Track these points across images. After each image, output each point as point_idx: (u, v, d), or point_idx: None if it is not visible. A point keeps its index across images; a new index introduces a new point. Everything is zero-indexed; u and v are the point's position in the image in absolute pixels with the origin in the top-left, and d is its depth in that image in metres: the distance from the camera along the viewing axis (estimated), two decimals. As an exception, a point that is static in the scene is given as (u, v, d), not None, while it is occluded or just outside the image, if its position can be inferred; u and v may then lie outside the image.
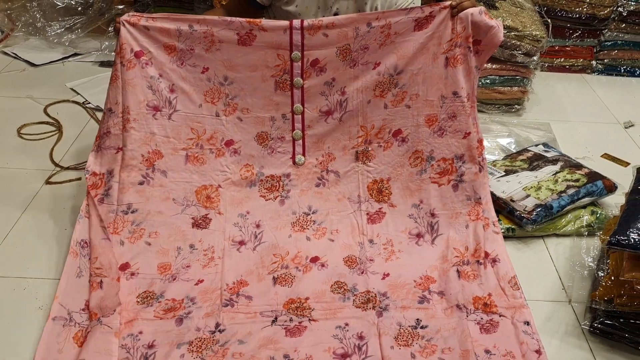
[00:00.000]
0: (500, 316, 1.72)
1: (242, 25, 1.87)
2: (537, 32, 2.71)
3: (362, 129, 1.99)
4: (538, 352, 1.62)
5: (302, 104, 1.97)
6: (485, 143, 2.50)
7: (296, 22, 1.86)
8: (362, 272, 1.83)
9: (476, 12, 1.86)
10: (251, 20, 1.87)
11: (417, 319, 1.70)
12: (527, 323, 1.69)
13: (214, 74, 1.94)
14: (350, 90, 1.96)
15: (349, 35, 1.89)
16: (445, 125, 1.95)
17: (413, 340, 1.64)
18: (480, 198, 1.96)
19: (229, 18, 1.88)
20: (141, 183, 1.91)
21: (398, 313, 1.71)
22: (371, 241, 1.93)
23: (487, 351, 1.62)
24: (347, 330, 1.66)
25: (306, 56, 1.91)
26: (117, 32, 1.88)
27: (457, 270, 1.84)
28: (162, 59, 1.90)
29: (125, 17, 1.87)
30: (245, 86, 1.95)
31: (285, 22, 1.87)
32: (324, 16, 1.97)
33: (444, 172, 1.96)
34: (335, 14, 1.98)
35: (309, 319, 1.68)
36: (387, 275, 1.83)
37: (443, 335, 1.66)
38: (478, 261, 1.86)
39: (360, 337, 1.64)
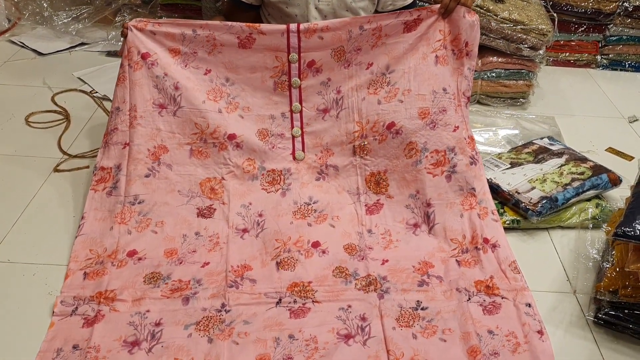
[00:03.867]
0: (502, 298, 1.76)
1: (242, 29, 1.97)
2: (543, 26, 2.71)
3: (358, 125, 2.04)
4: (540, 332, 1.66)
5: (300, 103, 2.06)
6: (490, 135, 2.55)
7: (293, 26, 1.96)
8: (362, 259, 1.86)
9: (461, 15, 1.98)
10: (250, 24, 1.96)
11: (418, 301, 1.74)
12: (529, 305, 1.74)
13: (216, 75, 2.03)
14: (345, 89, 2.05)
15: (342, 37, 1.99)
16: (436, 119, 2.00)
17: (414, 321, 1.68)
18: (473, 189, 2.00)
19: (229, 23, 1.97)
20: (147, 175, 1.95)
21: (399, 295, 1.75)
22: (370, 231, 1.96)
23: (490, 332, 1.66)
24: (350, 312, 1.69)
25: (303, 58, 2.01)
26: (124, 36, 1.97)
27: (457, 260, 1.87)
28: (167, 60, 1.99)
29: (132, 22, 1.97)
30: (245, 87, 2.05)
31: (283, 26, 1.97)
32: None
33: (438, 163, 1.99)
34: None
35: (313, 301, 1.72)
36: (387, 261, 1.86)
37: (443, 317, 1.70)
38: (477, 247, 1.90)
39: (363, 319, 1.67)
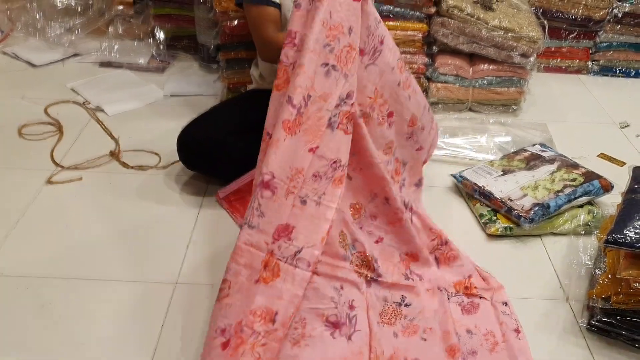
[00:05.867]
0: (480, 298, 1.79)
1: None
2: (533, 34, 2.73)
3: None
4: (517, 330, 1.69)
5: None
6: (482, 142, 2.56)
7: None
8: (361, 227, 1.84)
9: None
10: None
11: (403, 296, 1.75)
12: (505, 304, 1.77)
13: None
14: None
15: None
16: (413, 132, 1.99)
17: (396, 319, 1.69)
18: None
19: None
20: None
21: (384, 290, 1.76)
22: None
23: (468, 331, 1.68)
24: (342, 295, 1.67)
25: None
26: None
27: (436, 257, 1.89)
28: None
29: None
30: None
31: None
32: None
33: (396, 171, 1.99)
34: None
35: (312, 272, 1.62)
36: (381, 240, 1.86)
37: (425, 315, 1.71)
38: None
39: (351, 307, 1.66)
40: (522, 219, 2.01)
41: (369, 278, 1.76)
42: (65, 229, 2.00)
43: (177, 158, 2.20)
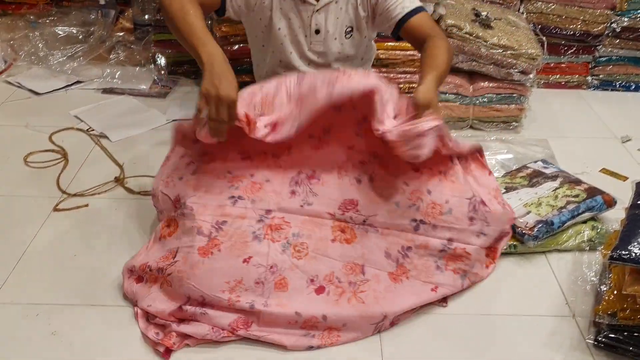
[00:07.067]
0: None
1: None
2: (532, 51, 2.75)
3: None
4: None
5: None
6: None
7: None
8: None
9: None
10: None
11: None
12: None
13: None
14: None
15: None
16: None
17: None
18: None
19: None
20: None
21: None
22: None
23: None
24: None
25: None
26: None
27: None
28: None
29: None
30: None
31: None
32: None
33: None
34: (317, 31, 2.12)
35: None
36: None
37: None
38: None
39: None
40: (526, 236, 2.02)
41: None
42: (73, 256, 2.01)
43: (182, 183, 2.21)
